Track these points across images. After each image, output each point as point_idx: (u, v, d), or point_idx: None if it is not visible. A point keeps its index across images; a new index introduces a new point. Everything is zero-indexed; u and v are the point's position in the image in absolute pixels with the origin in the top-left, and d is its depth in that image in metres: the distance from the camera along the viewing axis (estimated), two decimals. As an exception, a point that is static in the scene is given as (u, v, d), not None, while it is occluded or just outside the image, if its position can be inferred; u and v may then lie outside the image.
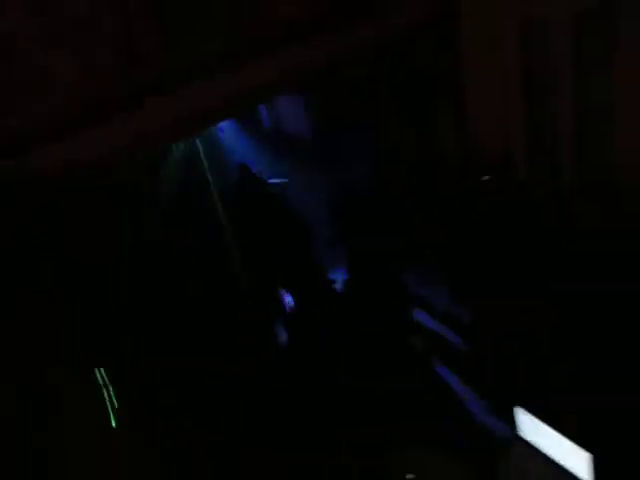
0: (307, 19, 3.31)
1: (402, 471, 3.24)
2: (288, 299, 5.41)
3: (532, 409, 3.07)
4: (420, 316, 4.63)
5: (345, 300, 5.27)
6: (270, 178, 5.93)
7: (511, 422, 3.28)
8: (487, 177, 4.50)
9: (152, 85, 2.82)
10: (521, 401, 3.15)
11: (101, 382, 3.23)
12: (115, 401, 3.22)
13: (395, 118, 5.23)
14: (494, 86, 4.44)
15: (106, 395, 3.21)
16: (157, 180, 4.91)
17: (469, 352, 3.99)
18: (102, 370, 3.25)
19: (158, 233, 4.77)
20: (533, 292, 3.67)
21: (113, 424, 3.16)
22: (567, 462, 2.99)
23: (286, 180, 5.98)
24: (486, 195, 4.44)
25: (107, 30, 2.71)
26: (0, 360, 2.69)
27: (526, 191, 4.38)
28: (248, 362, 4.55)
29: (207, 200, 5.47)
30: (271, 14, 3.18)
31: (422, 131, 5.19)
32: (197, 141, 5.19)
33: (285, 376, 4.44)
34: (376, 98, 5.27)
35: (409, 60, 4.74)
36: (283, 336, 5.11)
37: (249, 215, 5.57)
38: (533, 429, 3.15)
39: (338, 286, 5.43)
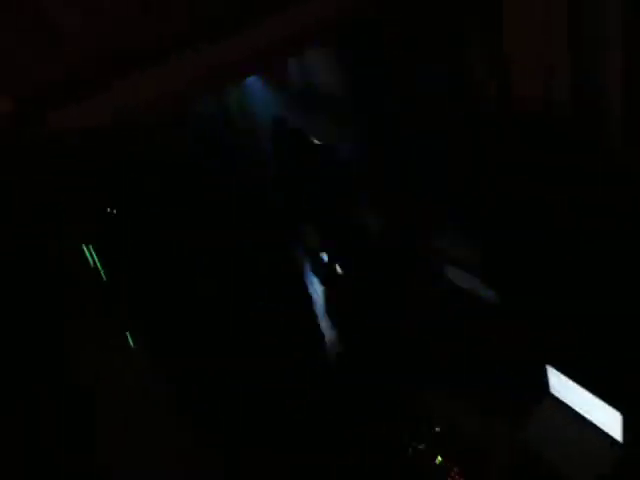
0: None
1: (430, 424, 3.29)
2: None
3: (563, 368, 3.04)
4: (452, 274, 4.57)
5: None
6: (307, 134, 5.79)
7: (543, 379, 3.27)
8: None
9: (177, 41, 2.80)
10: (552, 359, 3.11)
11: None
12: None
13: (428, 63, 4.98)
14: (536, 25, 4.15)
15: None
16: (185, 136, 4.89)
17: (495, 308, 3.94)
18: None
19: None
20: (567, 246, 3.55)
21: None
22: (598, 420, 2.98)
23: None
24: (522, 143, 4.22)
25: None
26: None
27: (568, 144, 4.16)
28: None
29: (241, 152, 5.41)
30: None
31: (456, 76, 4.92)
32: (226, 96, 5.12)
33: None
34: (407, 45, 5.02)
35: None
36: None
37: (291, 170, 5.48)
38: (564, 387, 3.12)
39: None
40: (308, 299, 5.14)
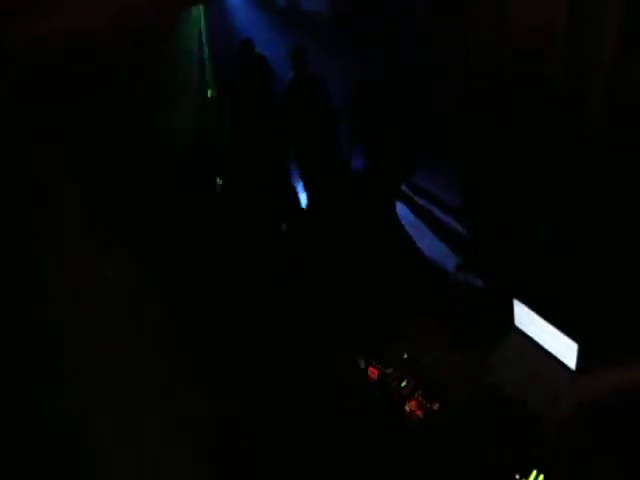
0: None
1: (396, 350, 3.42)
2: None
3: (527, 301, 3.14)
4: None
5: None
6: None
7: (509, 313, 3.38)
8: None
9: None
10: (518, 292, 3.20)
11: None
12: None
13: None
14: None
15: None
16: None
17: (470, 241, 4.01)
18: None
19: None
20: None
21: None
22: (557, 351, 3.12)
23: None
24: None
25: None
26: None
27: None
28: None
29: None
30: None
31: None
32: (201, 13, 4.84)
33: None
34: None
35: None
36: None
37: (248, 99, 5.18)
38: (528, 320, 3.24)
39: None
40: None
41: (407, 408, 3.12)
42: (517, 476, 2.64)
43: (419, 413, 3.08)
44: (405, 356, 3.40)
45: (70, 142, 3.56)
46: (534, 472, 2.64)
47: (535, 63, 3.87)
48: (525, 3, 4.27)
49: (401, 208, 4.86)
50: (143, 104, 4.34)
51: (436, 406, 3.10)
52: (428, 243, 4.39)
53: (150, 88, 4.45)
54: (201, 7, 4.86)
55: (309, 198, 5.22)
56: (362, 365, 3.35)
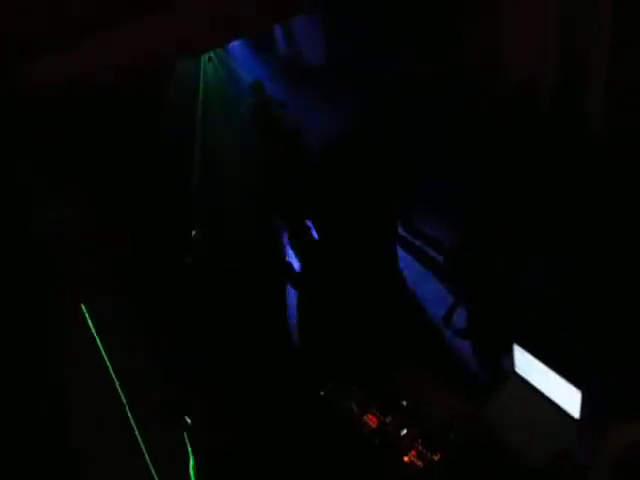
0: None
1: (396, 398, 3.34)
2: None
3: (528, 347, 3.09)
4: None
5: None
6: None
7: (508, 359, 3.33)
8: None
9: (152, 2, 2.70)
10: (518, 338, 3.17)
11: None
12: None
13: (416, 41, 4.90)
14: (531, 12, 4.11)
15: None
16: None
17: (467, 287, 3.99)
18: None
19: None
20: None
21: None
22: (559, 399, 3.05)
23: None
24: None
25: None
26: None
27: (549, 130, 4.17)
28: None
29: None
30: None
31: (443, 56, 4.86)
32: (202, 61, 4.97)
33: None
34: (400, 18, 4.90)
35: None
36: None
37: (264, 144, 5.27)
38: (529, 366, 3.18)
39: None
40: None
41: (407, 458, 3.02)
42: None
43: (419, 463, 2.98)
44: (404, 404, 3.32)
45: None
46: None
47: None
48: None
49: (401, 253, 4.85)
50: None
51: (437, 456, 3.00)
52: (429, 288, 4.38)
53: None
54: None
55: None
56: (356, 409, 3.28)
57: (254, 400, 3.83)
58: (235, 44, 5.46)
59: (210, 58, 5.22)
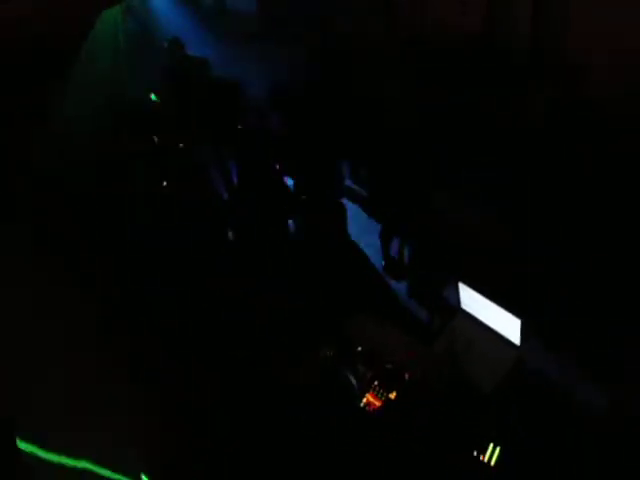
0: None
1: (349, 342, 3.42)
2: None
3: (472, 284, 3.26)
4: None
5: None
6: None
7: (455, 296, 3.49)
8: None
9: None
10: (463, 276, 3.32)
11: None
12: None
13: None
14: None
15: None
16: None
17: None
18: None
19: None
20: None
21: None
22: (502, 329, 3.26)
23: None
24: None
25: None
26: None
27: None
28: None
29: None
30: None
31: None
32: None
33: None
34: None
35: None
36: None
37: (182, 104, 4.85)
38: (473, 302, 3.36)
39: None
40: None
41: (365, 400, 3.14)
42: (475, 452, 2.73)
43: (377, 404, 3.11)
44: (359, 349, 3.41)
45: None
46: (490, 446, 2.74)
47: None
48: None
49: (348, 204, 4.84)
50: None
51: (392, 395, 3.13)
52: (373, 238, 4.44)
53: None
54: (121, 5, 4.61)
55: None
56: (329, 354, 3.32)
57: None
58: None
59: (127, 10, 4.79)
